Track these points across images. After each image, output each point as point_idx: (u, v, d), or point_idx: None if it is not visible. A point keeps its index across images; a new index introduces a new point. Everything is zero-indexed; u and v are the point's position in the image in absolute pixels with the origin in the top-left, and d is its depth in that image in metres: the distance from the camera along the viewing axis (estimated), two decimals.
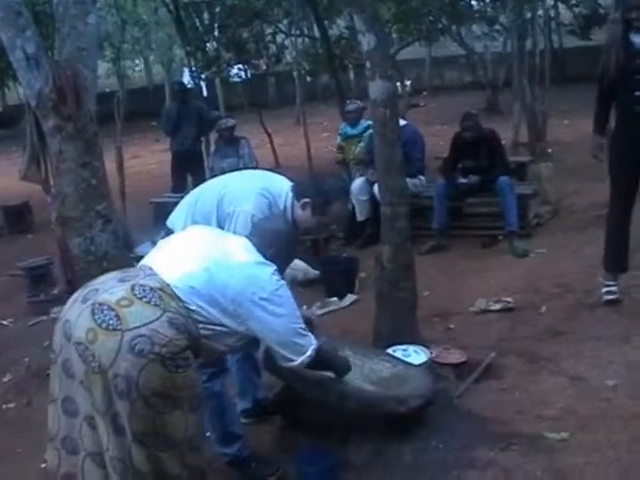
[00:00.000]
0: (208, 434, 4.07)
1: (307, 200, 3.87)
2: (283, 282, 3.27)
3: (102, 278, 3.20)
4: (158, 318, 2.91)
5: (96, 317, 2.90)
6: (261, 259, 3.30)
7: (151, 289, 3.01)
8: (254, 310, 3.17)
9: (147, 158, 18.09)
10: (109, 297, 2.96)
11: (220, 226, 3.90)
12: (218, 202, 3.96)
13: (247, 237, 3.46)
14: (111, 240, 4.96)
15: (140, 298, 2.96)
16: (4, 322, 7.25)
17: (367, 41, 4.66)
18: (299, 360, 3.34)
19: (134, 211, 9.34)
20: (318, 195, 3.86)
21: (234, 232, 3.75)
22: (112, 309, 2.91)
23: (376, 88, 4.70)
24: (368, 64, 4.73)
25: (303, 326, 3.35)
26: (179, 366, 2.92)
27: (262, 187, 3.95)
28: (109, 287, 3.04)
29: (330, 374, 3.83)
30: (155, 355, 2.85)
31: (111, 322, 2.88)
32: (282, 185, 4.04)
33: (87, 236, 4.96)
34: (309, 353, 3.34)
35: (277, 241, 3.45)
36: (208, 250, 3.27)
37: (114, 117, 9.18)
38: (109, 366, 2.83)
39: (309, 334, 3.38)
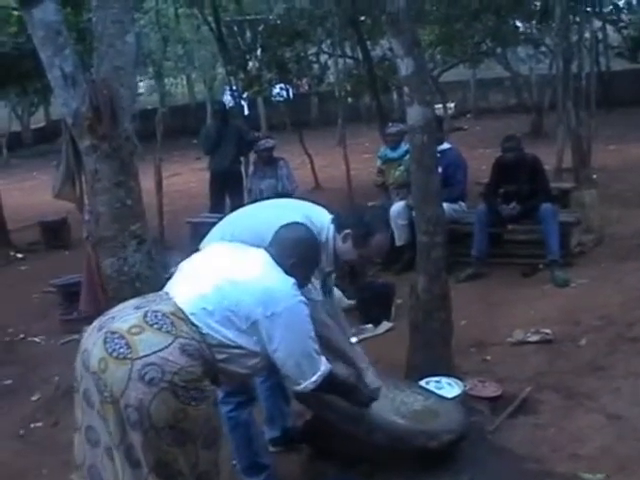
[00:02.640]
0: (234, 462, 4.06)
1: (348, 231, 3.80)
2: (301, 298, 3.17)
3: (121, 305, 3.18)
4: (169, 345, 2.87)
5: (107, 346, 2.88)
6: (278, 272, 3.21)
7: (163, 315, 2.97)
8: (265, 325, 3.07)
9: (187, 176, 18.20)
10: (121, 325, 2.94)
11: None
12: (257, 231, 3.74)
13: (266, 249, 3.37)
14: (145, 261, 4.96)
15: (151, 325, 2.92)
16: (36, 339, 7.30)
17: (405, 66, 4.62)
18: (303, 385, 3.21)
19: (172, 230, 9.37)
20: (359, 226, 3.80)
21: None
22: (123, 337, 2.89)
23: (414, 114, 4.66)
24: (406, 89, 4.69)
25: (316, 348, 3.22)
26: (193, 398, 2.87)
27: (305, 215, 3.85)
28: (124, 315, 3.01)
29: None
30: (167, 384, 2.80)
31: (121, 351, 2.85)
32: (323, 217, 3.96)
33: (120, 256, 4.97)
34: (314, 379, 3.20)
35: (298, 251, 3.35)
36: (223, 268, 3.21)
37: (156, 134, 9.22)
38: (120, 396, 2.80)
39: (320, 358, 3.24)
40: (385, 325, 6.59)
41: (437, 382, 4.55)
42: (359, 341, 6.23)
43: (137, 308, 3.05)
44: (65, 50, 4.90)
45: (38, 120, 32.76)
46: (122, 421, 2.84)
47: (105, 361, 2.86)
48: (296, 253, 3.33)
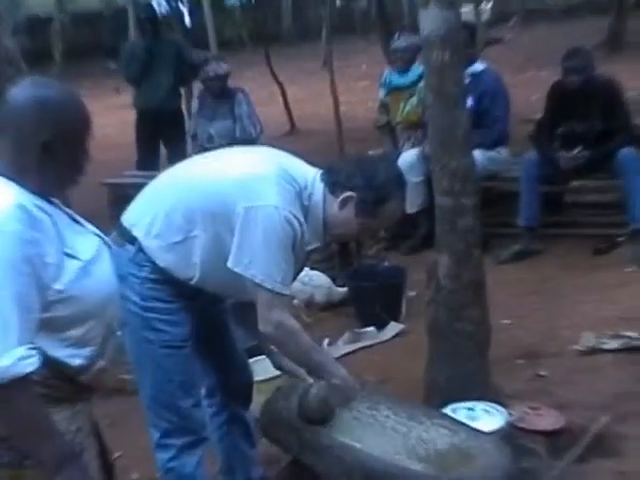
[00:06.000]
0: None
1: (351, 194, 3.76)
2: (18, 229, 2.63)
3: None
4: None
5: None
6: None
7: None
8: None
9: (101, 117, 17.99)
10: None
11: (219, 230, 3.67)
12: (214, 194, 3.73)
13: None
14: None
15: None
16: None
17: None
18: None
19: (81, 195, 9.32)
20: (368, 189, 3.77)
21: (253, 240, 3.59)
22: None
23: (430, 19, 4.61)
24: None
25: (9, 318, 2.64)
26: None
27: (280, 170, 3.76)
28: None
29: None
30: None
31: None
32: (304, 170, 3.89)
33: None
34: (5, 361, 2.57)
35: (51, 118, 2.80)
36: None
37: (52, 54, 9.17)
38: None
39: (15, 343, 2.59)
40: (393, 328, 6.61)
41: (469, 409, 4.57)
42: (355, 351, 6.30)
43: None
44: None
45: None
46: None
47: None
48: (47, 124, 2.81)
